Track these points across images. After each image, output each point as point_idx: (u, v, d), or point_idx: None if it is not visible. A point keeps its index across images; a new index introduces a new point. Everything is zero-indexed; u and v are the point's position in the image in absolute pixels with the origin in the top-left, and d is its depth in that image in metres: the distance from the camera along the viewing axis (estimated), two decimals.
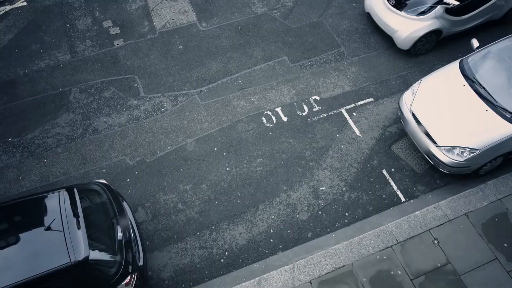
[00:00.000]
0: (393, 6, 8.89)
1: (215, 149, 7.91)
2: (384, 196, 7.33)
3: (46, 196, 5.65)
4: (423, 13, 8.53)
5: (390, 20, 8.87)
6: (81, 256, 5.07)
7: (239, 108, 8.44)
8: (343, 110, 8.38)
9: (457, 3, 8.20)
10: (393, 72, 8.97)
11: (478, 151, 6.74)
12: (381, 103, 8.49)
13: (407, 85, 8.75)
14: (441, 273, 6.34)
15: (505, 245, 6.56)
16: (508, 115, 6.79)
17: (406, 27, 8.66)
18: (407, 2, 8.76)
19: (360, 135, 8.04)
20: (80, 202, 5.65)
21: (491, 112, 6.88)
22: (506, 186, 7.14)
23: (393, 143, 7.95)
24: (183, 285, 6.53)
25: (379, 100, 8.53)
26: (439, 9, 8.37)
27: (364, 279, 6.34)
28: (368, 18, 9.85)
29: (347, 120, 8.24)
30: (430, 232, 6.73)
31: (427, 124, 7.11)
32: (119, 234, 5.74)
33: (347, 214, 7.16)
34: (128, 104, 8.54)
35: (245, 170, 7.65)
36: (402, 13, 8.73)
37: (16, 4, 10.24)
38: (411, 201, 7.28)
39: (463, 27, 9.01)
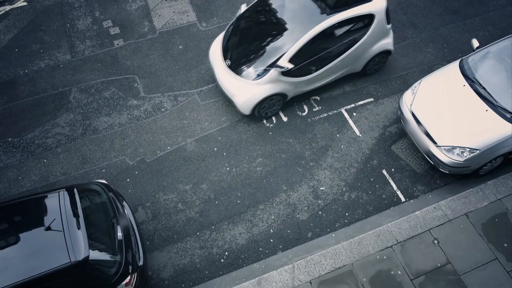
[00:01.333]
0: (230, 67, 7.66)
1: (215, 149, 7.91)
2: (384, 196, 7.33)
3: (46, 196, 5.65)
4: (259, 76, 7.39)
5: (228, 82, 7.67)
6: (81, 256, 5.07)
7: None
8: (343, 110, 8.38)
9: (291, 66, 7.12)
10: (393, 72, 8.96)
11: (478, 151, 6.74)
12: (381, 103, 8.49)
13: (407, 85, 8.74)
14: (441, 273, 6.34)
15: (505, 245, 6.56)
16: (508, 115, 6.79)
17: (243, 92, 7.50)
18: (243, 63, 7.56)
19: (360, 135, 8.04)
20: (80, 202, 5.65)
21: (491, 112, 6.88)
22: (506, 186, 7.14)
23: (393, 143, 7.95)
24: (183, 285, 6.53)
25: (379, 100, 8.53)
26: (273, 72, 7.24)
27: (364, 279, 6.34)
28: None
29: (347, 120, 8.24)
30: (430, 232, 6.73)
31: (427, 124, 7.11)
32: (119, 234, 5.74)
33: (347, 214, 7.16)
34: (128, 104, 8.54)
35: (245, 170, 7.65)
36: (237, 76, 7.54)
37: (16, 4, 10.24)
38: (411, 201, 7.28)
39: (316, 85, 8.05)
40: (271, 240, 6.92)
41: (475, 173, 7.22)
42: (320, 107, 8.43)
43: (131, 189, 7.46)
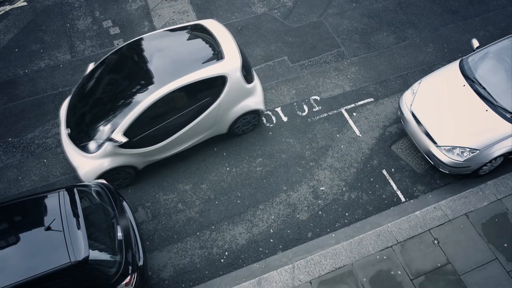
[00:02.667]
0: (70, 136, 6.76)
1: (215, 149, 7.91)
2: (384, 196, 7.33)
3: (46, 196, 5.65)
4: (96, 149, 6.55)
5: (69, 151, 6.76)
6: (81, 256, 5.07)
7: None
8: (343, 110, 8.39)
9: (124, 139, 6.32)
10: (393, 72, 8.97)
11: (478, 151, 6.74)
12: (381, 103, 8.49)
13: (407, 85, 8.75)
14: (441, 273, 6.34)
15: (505, 245, 6.56)
16: (508, 115, 6.79)
17: (83, 164, 6.64)
18: (82, 132, 6.67)
19: (360, 135, 8.04)
20: (80, 202, 5.65)
21: (491, 112, 6.88)
22: (506, 186, 7.14)
23: (393, 143, 7.95)
24: (183, 285, 6.53)
25: (379, 100, 8.53)
26: (107, 146, 6.46)
27: (364, 279, 6.34)
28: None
29: (347, 120, 8.24)
30: (430, 232, 6.73)
31: (427, 124, 7.11)
32: (119, 234, 5.74)
33: (347, 214, 7.16)
34: None
35: (245, 170, 7.65)
36: (75, 147, 6.66)
37: (16, 4, 10.24)
38: (411, 201, 7.28)
39: (172, 151, 7.24)
40: (271, 240, 6.92)
41: (475, 173, 7.22)
42: (320, 107, 8.43)
43: (131, 189, 7.46)
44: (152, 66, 6.68)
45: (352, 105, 8.45)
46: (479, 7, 10.01)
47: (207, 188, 7.46)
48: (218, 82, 6.79)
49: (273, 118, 8.31)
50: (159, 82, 6.50)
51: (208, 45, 6.96)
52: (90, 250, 5.19)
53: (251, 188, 7.45)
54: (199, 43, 6.99)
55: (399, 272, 6.39)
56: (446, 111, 7.10)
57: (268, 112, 8.39)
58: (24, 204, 5.63)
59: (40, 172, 7.63)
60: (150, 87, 6.48)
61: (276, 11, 10.08)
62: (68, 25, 9.83)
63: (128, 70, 6.81)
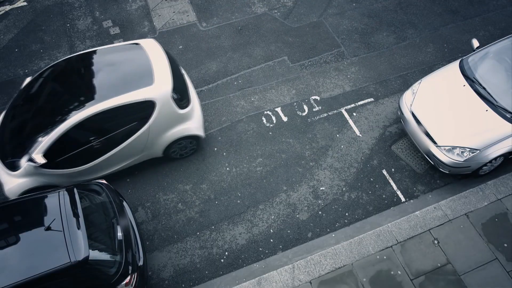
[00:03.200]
0: None
1: (215, 149, 7.91)
2: (384, 196, 7.33)
3: (46, 196, 5.65)
4: (18, 167, 6.38)
5: None
6: (81, 256, 5.07)
7: (239, 108, 8.45)
8: (343, 110, 8.38)
9: (43, 161, 6.15)
10: (393, 72, 8.97)
11: (478, 151, 6.74)
12: (381, 103, 8.49)
13: (407, 85, 8.74)
14: (441, 273, 6.34)
15: (505, 245, 6.55)
16: (508, 115, 6.79)
17: (6, 181, 6.50)
18: (7, 149, 6.53)
19: (360, 135, 8.04)
20: (80, 202, 5.65)
21: (491, 112, 6.88)
22: (506, 186, 7.14)
23: (393, 143, 7.95)
24: (183, 285, 6.53)
25: (379, 100, 8.53)
26: (28, 166, 6.27)
27: (364, 279, 6.34)
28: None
29: (347, 120, 8.24)
30: (430, 232, 6.73)
31: (427, 124, 7.11)
32: (119, 234, 5.74)
33: (347, 214, 7.16)
34: None
35: (245, 170, 7.65)
36: (1, 163, 6.53)
37: (16, 4, 10.24)
38: (411, 201, 7.28)
39: (101, 173, 7.06)
40: (271, 240, 6.92)
41: (475, 173, 7.22)
42: (320, 107, 8.43)
43: (131, 189, 7.46)
44: (80, 87, 6.53)
45: (352, 105, 8.45)
46: (479, 7, 10.01)
47: (207, 188, 7.46)
48: (146, 107, 6.54)
49: (273, 118, 8.31)
50: (83, 104, 6.32)
51: (140, 68, 6.71)
52: (90, 250, 5.19)
53: (251, 188, 7.45)
54: (132, 65, 6.74)
55: (399, 272, 6.39)
56: (446, 111, 7.09)
57: (268, 112, 8.39)
58: (24, 204, 5.63)
59: None
60: (74, 108, 6.30)
61: (276, 11, 10.08)
62: (68, 25, 9.83)
63: (56, 89, 6.65)
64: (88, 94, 6.43)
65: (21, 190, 6.53)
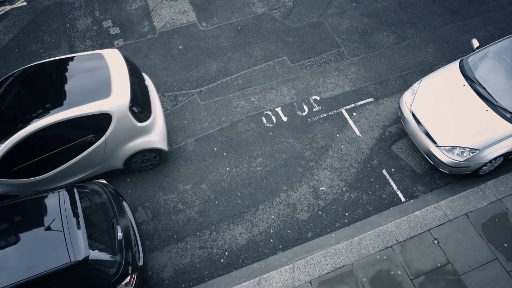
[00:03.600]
0: None
1: (215, 149, 7.91)
2: (384, 196, 7.33)
3: (46, 196, 5.65)
4: None
5: None
6: (81, 256, 5.07)
7: (239, 108, 8.45)
8: (343, 110, 8.38)
9: None
10: (393, 72, 8.97)
11: (478, 151, 6.74)
12: (381, 103, 8.49)
13: (407, 85, 8.75)
14: (441, 273, 6.34)
15: (505, 245, 6.55)
16: (508, 115, 6.79)
17: None
18: None
19: (360, 135, 8.04)
20: (80, 202, 5.65)
21: (491, 112, 6.88)
22: (506, 186, 7.14)
23: (393, 143, 7.95)
24: (183, 285, 6.53)
25: (379, 100, 8.53)
26: None
27: (364, 279, 6.34)
28: None
29: (347, 120, 8.24)
30: (430, 232, 6.73)
31: (427, 124, 7.11)
32: (119, 234, 5.74)
33: (347, 214, 7.16)
34: None
35: (245, 170, 7.65)
36: None
37: (16, 4, 10.24)
38: (411, 201, 7.28)
39: (59, 183, 6.97)
40: (271, 240, 6.92)
41: (475, 173, 7.22)
42: (320, 107, 8.43)
43: (131, 189, 7.46)
44: (37, 97, 6.48)
45: (352, 105, 8.45)
46: (479, 7, 10.01)
47: (207, 188, 7.46)
48: (103, 120, 6.45)
49: (273, 118, 8.31)
50: (37, 115, 6.23)
51: (99, 79, 6.64)
52: (90, 250, 5.19)
53: (251, 188, 7.45)
54: (92, 76, 6.68)
55: (399, 272, 6.39)
56: (446, 111, 7.09)
57: (268, 112, 8.39)
58: (24, 204, 5.63)
59: None
60: (28, 119, 6.21)
61: (276, 11, 10.08)
62: (68, 25, 9.83)
63: (14, 98, 6.57)
64: (44, 105, 6.36)
65: None
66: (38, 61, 9.15)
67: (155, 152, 7.28)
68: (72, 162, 6.67)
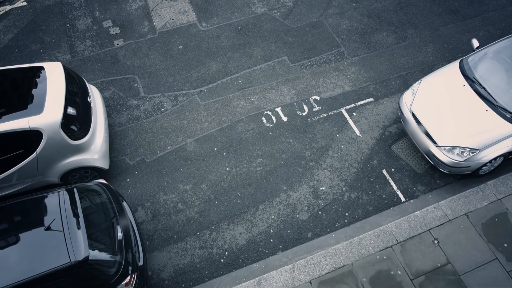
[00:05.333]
0: None
1: (215, 149, 7.91)
2: (384, 196, 7.33)
3: (46, 196, 5.65)
4: None
5: None
6: (81, 256, 5.07)
7: (239, 108, 8.45)
8: (343, 110, 8.39)
9: None
10: (393, 72, 8.97)
11: (478, 151, 6.74)
12: (381, 103, 8.50)
13: (407, 85, 8.75)
14: (441, 273, 6.34)
15: (505, 245, 6.55)
16: (508, 115, 6.79)
17: None
18: None
19: (360, 135, 8.04)
20: (80, 202, 5.65)
21: (491, 112, 6.88)
22: (506, 186, 7.14)
23: (393, 143, 7.95)
24: (183, 285, 6.53)
25: (379, 100, 8.53)
26: None
27: (364, 279, 6.34)
28: None
29: (347, 120, 8.24)
30: (430, 232, 6.73)
31: (427, 124, 7.11)
32: (119, 234, 5.74)
33: (347, 214, 7.16)
34: (128, 104, 8.53)
35: (245, 170, 7.65)
36: None
37: (16, 4, 10.24)
38: (411, 201, 7.28)
39: None
40: (271, 240, 6.92)
41: (475, 173, 7.22)
42: (320, 107, 8.43)
43: (131, 189, 7.46)
44: None
45: (352, 105, 8.45)
46: (479, 7, 10.01)
47: (207, 188, 7.46)
48: (33, 135, 6.33)
49: (273, 118, 8.31)
50: None
51: (35, 94, 6.56)
52: (90, 250, 5.19)
53: (251, 188, 7.45)
54: (27, 90, 6.60)
55: (399, 272, 6.39)
56: (446, 111, 7.09)
57: (268, 112, 8.39)
58: (24, 204, 5.63)
59: None
60: None
61: (276, 11, 10.08)
62: (68, 25, 9.83)
63: None
64: None
65: None
66: (38, 61, 9.16)
67: (94, 169, 7.15)
68: (4, 175, 6.55)
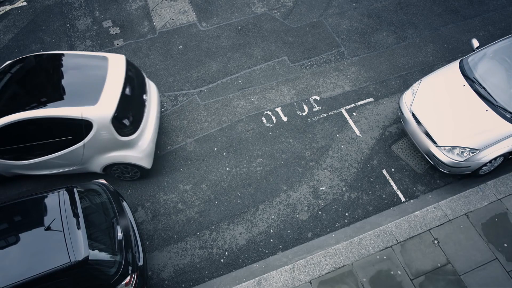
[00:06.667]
0: None
1: (215, 149, 7.91)
2: (384, 196, 7.33)
3: (46, 196, 5.65)
4: None
5: None
6: (81, 256, 5.07)
7: (239, 108, 8.45)
8: (343, 110, 8.38)
9: None
10: (393, 72, 8.97)
11: (478, 151, 6.74)
12: (381, 103, 8.50)
13: (407, 85, 8.75)
14: (441, 273, 6.34)
15: (505, 245, 6.56)
16: (508, 115, 6.79)
17: None
18: None
19: (360, 135, 8.04)
20: (80, 202, 5.65)
21: (491, 112, 6.88)
22: (506, 186, 7.14)
23: (393, 143, 7.95)
24: (183, 285, 6.53)
25: (379, 100, 8.53)
26: None
27: (364, 279, 6.34)
28: None
29: (347, 120, 8.24)
30: (430, 232, 6.73)
31: (427, 124, 7.11)
32: (119, 234, 5.74)
33: (347, 214, 7.16)
34: None
35: (245, 170, 7.65)
36: None
37: (16, 4, 10.24)
38: (411, 201, 7.28)
39: (35, 172, 7.09)
40: (271, 240, 6.92)
41: (475, 173, 7.22)
42: (320, 107, 8.43)
43: (131, 189, 7.46)
44: (27, 88, 6.52)
45: (352, 105, 8.45)
46: (479, 7, 10.01)
47: (207, 188, 7.46)
48: (84, 125, 6.41)
49: (273, 118, 8.31)
50: (24, 105, 6.33)
51: (93, 84, 6.60)
52: (90, 250, 5.19)
53: (251, 188, 7.45)
54: (88, 78, 6.64)
55: (399, 272, 6.39)
56: (446, 111, 7.10)
57: (268, 112, 8.39)
58: (24, 204, 5.63)
59: None
60: (13, 108, 6.32)
61: (276, 11, 10.08)
62: (68, 25, 9.83)
63: (6, 86, 6.66)
64: (32, 97, 6.42)
65: None
66: None
67: (135, 167, 7.16)
68: (51, 157, 6.71)
